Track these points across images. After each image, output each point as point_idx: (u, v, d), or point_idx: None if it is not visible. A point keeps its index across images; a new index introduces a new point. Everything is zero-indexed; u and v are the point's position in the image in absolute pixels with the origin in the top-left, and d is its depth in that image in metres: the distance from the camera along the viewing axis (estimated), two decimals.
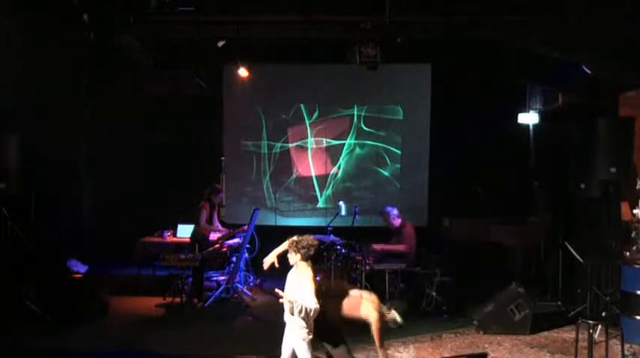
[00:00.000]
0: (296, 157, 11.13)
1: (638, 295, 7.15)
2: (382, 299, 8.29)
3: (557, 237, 8.78)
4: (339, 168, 11.06)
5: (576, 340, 6.22)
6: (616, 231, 7.80)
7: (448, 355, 6.68)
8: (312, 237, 5.16)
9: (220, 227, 9.57)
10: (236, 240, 9.24)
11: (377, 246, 8.83)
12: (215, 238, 9.16)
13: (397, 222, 8.98)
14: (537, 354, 6.82)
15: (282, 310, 5.05)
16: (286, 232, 5.54)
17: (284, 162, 11.13)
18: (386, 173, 10.99)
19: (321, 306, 4.90)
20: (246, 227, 9.13)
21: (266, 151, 11.13)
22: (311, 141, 11.08)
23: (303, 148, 11.12)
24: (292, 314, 4.89)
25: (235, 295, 8.94)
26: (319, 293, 4.98)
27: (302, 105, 11.04)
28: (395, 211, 9.02)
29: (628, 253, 7.52)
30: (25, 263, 8.22)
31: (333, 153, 11.07)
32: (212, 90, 10.93)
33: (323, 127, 11.05)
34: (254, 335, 7.42)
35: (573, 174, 8.08)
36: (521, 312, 7.43)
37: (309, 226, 9.55)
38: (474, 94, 10.16)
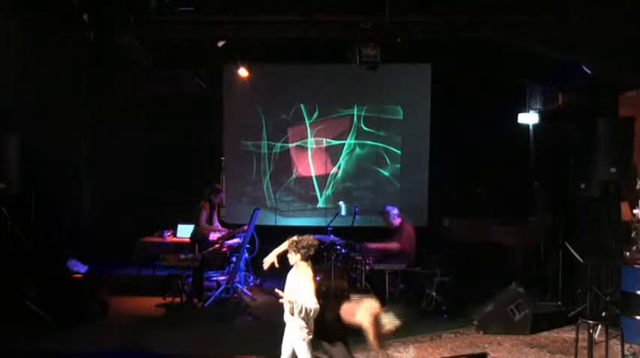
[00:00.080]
0: (296, 157, 11.14)
1: (638, 295, 7.14)
2: (382, 299, 8.37)
3: (557, 237, 8.78)
4: (339, 168, 11.06)
5: (576, 340, 6.21)
6: (616, 231, 7.79)
7: (448, 355, 6.68)
8: (312, 237, 5.16)
9: (220, 227, 9.57)
10: (236, 240, 9.25)
11: (372, 245, 8.85)
12: (215, 238, 9.16)
13: (397, 221, 9.00)
14: (537, 354, 6.82)
15: (282, 310, 5.04)
16: (286, 232, 5.54)
17: (284, 162, 11.14)
18: (386, 173, 10.99)
19: (320, 306, 4.90)
20: (246, 227, 9.13)
21: (266, 151, 11.13)
22: (311, 141, 11.08)
23: (303, 148, 11.12)
24: (292, 314, 4.89)
25: (235, 295, 8.94)
26: (319, 293, 4.98)
27: (302, 105, 11.04)
28: (395, 211, 9.04)
29: (628, 253, 7.52)
30: (25, 263, 8.22)
31: (333, 153, 11.07)
32: (212, 90, 10.93)
33: (323, 127, 11.05)
34: (254, 335, 7.42)
35: (573, 174, 8.08)
36: (521, 312, 7.43)
37: (309, 226, 9.55)
38: (474, 94, 10.16)
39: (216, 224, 9.53)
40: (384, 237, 9.06)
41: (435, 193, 10.64)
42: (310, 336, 4.97)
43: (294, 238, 5.13)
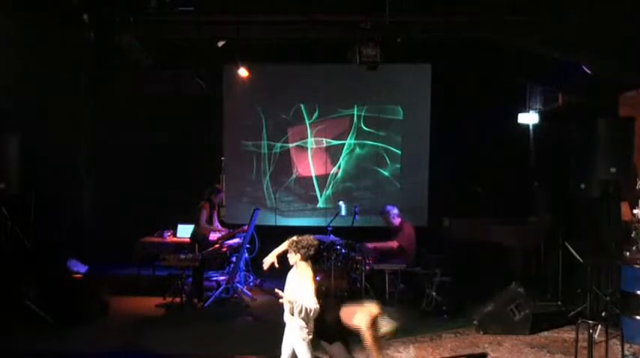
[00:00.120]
0: (296, 157, 11.14)
1: (638, 295, 7.14)
2: (382, 300, 8.38)
3: (557, 237, 8.77)
4: (339, 168, 11.06)
5: (576, 340, 6.22)
6: (616, 231, 7.79)
7: (448, 355, 6.69)
8: (312, 237, 5.16)
9: (220, 227, 9.57)
10: (236, 240, 9.25)
11: (370, 244, 8.86)
12: (215, 238, 9.16)
13: (397, 221, 9.00)
14: (537, 354, 6.82)
15: (282, 310, 5.05)
16: (286, 232, 5.54)
17: (284, 162, 11.14)
18: (386, 173, 10.99)
19: (320, 306, 4.90)
20: (246, 227, 9.13)
21: (266, 151, 11.13)
22: (311, 141, 11.09)
23: (303, 148, 11.12)
24: (292, 314, 4.90)
25: (235, 295, 8.94)
26: (319, 293, 4.98)
27: (302, 105, 11.04)
28: (395, 210, 9.05)
29: (628, 253, 7.52)
30: (25, 263, 8.22)
31: (333, 153, 11.07)
32: (212, 90, 10.93)
33: (323, 127, 11.05)
34: (254, 335, 7.42)
35: (573, 174, 8.07)
36: (521, 312, 7.43)
37: (309, 226, 9.56)
38: (474, 94, 10.16)
39: (216, 224, 9.54)
40: (384, 236, 9.06)
41: (435, 193, 10.64)
42: (310, 336, 4.97)
43: (294, 238, 5.13)
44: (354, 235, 9.00)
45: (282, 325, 5.15)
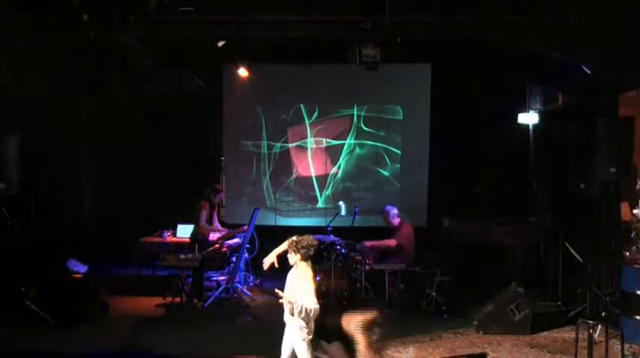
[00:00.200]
0: (296, 157, 11.14)
1: (638, 295, 7.14)
2: (382, 301, 8.39)
3: (557, 237, 8.77)
4: (339, 168, 11.06)
5: (576, 340, 6.21)
6: (616, 231, 7.79)
7: (448, 355, 6.68)
8: (311, 237, 5.16)
9: (220, 227, 9.57)
10: (236, 240, 9.25)
11: (368, 243, 8.87)
12: (215, 238, 9.16)
13: (396, 221, 9.01)
14: (537, 354, 6.82)
15: (282, 310, 5.05)
16: (286, 232, 5.55)
17: (284, 162, 11.13)
18: (386, 173, 10.99)
19: (320, 306, 4.90)
20: (246, 227, 9.13)
21: (266, 151, 11.13)
22: (311, 141, 11.08)
23: (303, 148, 11.12)
24: (292, 314, 4.90)
25: (235, 295, 8.94)
26: (319, 293, 4.98)
27: (302, 105, 11.04)
28: (394, 210, 9.05)
29: (628, 253, 7.52)
30: (25, 263, 8.22)
31: (333, 153, 11.07)
32: (212, 90, 10.94)
33: (323, 127, 11.05)
34: (254, 335, 7.42)
35: (573, 174, 8.08)
36: (521, 312, 7.43)
37: (309, 226, 9.56)
38: (474, 94, 10.16)
39: (217, 224, 9.54)
40: (384, 236, 9.06)
41: (435, 193, 10.64)
42: (310, 336, 4.97)
43: (294, 238, 5.13)
44: (353, 235, 9.01)
45: (282, 325, 5.15)
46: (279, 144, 11.11)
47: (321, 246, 8.43)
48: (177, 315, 8.31)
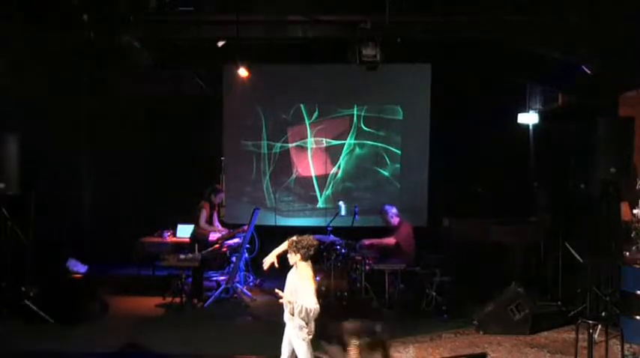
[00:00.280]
0: (296, 157, 11.13)
1: (638, 295, 7.14)
2: (382, 300, 8.39)
3: (557, 237, 8.77)
4: (338, 168, 11.06)
5: (576, 340, 6.22)
6: (616, 231, 7.79)
7: (448, 355, 6.68)
8: (311, 237, 5.16)
9: (220, 227, 9.58)
10: (236, 240, 9.25)
11: (367, 241, 8.87)
12: (215, 238, 9.16)
13: (395, 220, 9.01)
14: (537, 354, 6.82)
15: (282, 310, 5.05)
16: (286, 232, 5.55)
17: (284, 162, 11.13)
18: (386, 173, 10.99)
19: (320, 306, 4.90)
20: (246, 227, 9.13)
21: (266, 151, 11.13)
22: (311, 141, 11.08)
23: (303, 148, 11.12)
24: (292, 314, 4.90)
25: (235, 295, 8.94)
26: (319, 293, 4.98)
27: (302, 105, 11.03)
28: (393, 210, 9.05)
29: (628, 253, 7.52)
30: (25, 263, 8.22)
31: (333, 153, 11.06)
32: (212, 90, 10.94)
33: (323, 127, 11.05)
34: (254, 335, 7.42)
35: (573, 174, 8.08)
36: (521, 312, 7.43)
37: (309, 226, 9.55)
38: (474, 94, 10.16)
39: (217, 224, 9.54)
40: (384, 236, 9.06)
41: (435, 193, 10.64)
42: (310, 336, 4.97)
43: (294, 238, 5.13)
44: (353, 235, 9.01)
45: (282, 325, 5.15)
46: (279, 144, 11.10)
47: (321, 246, 8.43)
48: (177, 315, 8.31)
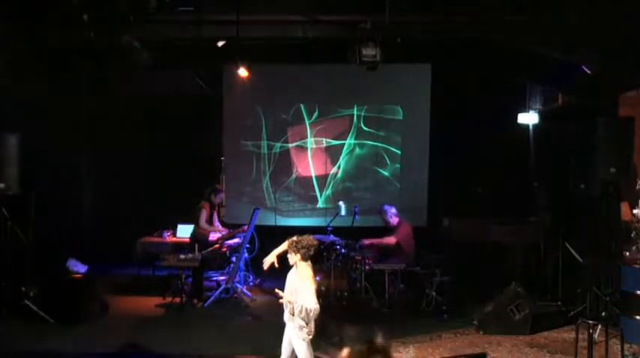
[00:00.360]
0: (296, 157, 11.13)
1: (638, 295, 7.14)
2: (382, 300, 8.39)
3: (557, 237, 8.77)
4: (338, 168, 11.06)
5: (576, 340, 6.22)
6: (616, 231, 7.79)
7: (448, 355, 6.67)
8: (311, 237, 5.16)
9: (220, 227, 9.58)
10: (236, 240, 9.25)
11: (367, 241, 8.87)
12: (215, 238, 9.16)
13: (394, 220, 9.01)
14: (537, 354, 6.82)
15: (282, 310, 5.05)
16: (286, 232, 5.55)
17: (284, 162, 11.13)
18: (386, 173, 10.99)
19: (320, 306, 4.90)
20: (246, 227, 9.13)
21: (266, 151, 11.13)
22: (311, 141, 11.08)
23: (303, 148, 11.12)
24: (292, 314, 4.90)
25: (235, 295, 8.94)
26: (319, 293, 4.98)
27: (302, 105, 11.04)
28: (392, 209, 9.05)
29: (628, 253, 7.52)
30: (24, 263, 8.22)
31: (332, 153, 11.07)
32: (212, 90, 10.93)
33: (323, 127, 11.05)
34: (254, 335, 7.41)
35: (573, 174, 8.07)
36: (521, 312, 7.43)
37: (309, 226, 9.54)
38: (474, 94, 10.16)
39: (217, 224, 9.54)
40: (384, 236, 9.06)
41: (435, 193, 10.64)
42: (310, 336, 4.97)
43: (294, 238, 5.13)
44: (353, 235, 9.01)
45: (282, 325, 5.15)
46: (279, 144, 11.11)
47: (321, 246, 8.44)
48: (177, 315, 8.31)
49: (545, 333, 7.50)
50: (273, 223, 10.69)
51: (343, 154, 11.04)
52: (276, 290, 5.09)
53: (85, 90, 10.65)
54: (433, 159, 10.69)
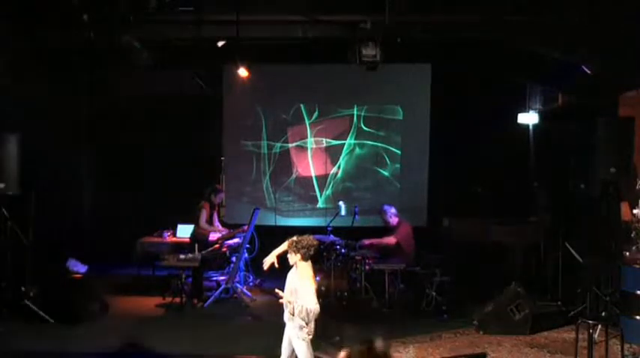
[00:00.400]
0: (296, 157, 11.13)
1: (638, 295, 7.14)
2: (382, 300, 8.39)
3: (557, 237, 8.77)
4: (338, 168, 11.06)
5: (576, 340, 6.22)
6: (616, 231, 7.79)
7: (448, 355, 6.67)
8: (311, 237, 5.16)
9: (220, 227, 9.58)
10: (236, 240, 9.25)
11: (367, 241, 8.88)
12: (215, 238, 9.16)
13: (394, 220, 9.01)
14: (537, 354, 6.82)
15: (282, 310, 5.05)
16: (286, 232, 5.55)
17: (284, 162, 11.13)
18: (386, 173, 10.99)
19: (320, 306, 4.90)
20: (246, 227, 9.13)
21: (266, 151, 11.13)
22: (311, 141, 11.08)
23: (303, 148, 11.12)
24: (292, 314, 4.90)
25: (235, 295, 8.94)
26: (319, 293, 4.98)
27: (302, 105, 11.04)
28: (392, 209, 9.05)
29: (628, 253, 7.52)
30: (24, 263, 8.22)
31: (332, 153, 11.07)
32: (212, 90, 10.93)
33: (323, 127, 11.05)
34: (254, 335, 7.41)
35: (573, 174, 8.07)
36: (521, 312, 7.43)
37: (309, 226, 9.55)
38: (474, 94, 10.16)
39: (217, 224, 9.54)
40: (384, 236, 9.06)
41: (435, 193, 10.64)
42: (310, 336, 4.97)
43: (294, 238, 5.13)
44: (353, 235, 9.01)
45: (282, 325, 5.15)
46: (279, 144, 11.11)
47: (321, 246, 8.43)
48: (177, 315, 8.31)
49: (545, 333, 7.50)
50: (273, 223, 10.69)
51: (343, 154, 11.04)
52: (276, 291, 5.09)
53: (85, 91, 10.64)
54: (433, 159, 10.69)
